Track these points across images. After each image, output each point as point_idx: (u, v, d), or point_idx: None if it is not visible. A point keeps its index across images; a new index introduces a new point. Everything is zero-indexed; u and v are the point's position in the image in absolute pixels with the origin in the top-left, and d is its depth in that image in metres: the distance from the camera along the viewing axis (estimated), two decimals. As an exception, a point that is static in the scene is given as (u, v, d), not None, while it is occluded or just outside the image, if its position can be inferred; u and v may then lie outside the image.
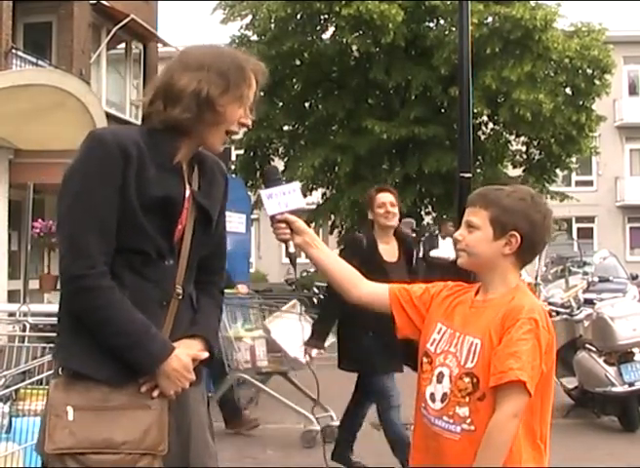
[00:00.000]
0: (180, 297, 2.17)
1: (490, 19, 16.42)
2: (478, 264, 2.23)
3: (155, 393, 2.09)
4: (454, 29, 15.97)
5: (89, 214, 2.04)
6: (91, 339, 2.06)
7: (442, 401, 2.17)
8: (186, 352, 2.13)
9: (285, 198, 2.26)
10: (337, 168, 17.65)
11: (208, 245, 2.26)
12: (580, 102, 17.45)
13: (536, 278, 7.89)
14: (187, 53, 2.23)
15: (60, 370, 2.10)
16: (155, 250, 2.11)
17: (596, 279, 8.09)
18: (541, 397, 2.14)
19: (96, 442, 2.00)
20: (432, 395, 2.20)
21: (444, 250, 13.66)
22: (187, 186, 2.19)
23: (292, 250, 2.30)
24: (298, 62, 17.89)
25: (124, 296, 2.06)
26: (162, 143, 2.13)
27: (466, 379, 2.12)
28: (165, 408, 2.10)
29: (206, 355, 2.19)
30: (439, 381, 2.19)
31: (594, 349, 6.70)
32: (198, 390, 2.26)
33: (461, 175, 6.76)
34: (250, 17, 17.83)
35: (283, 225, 2.30)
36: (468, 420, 2.10)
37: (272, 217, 2.30)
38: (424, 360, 2.25)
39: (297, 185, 2.30)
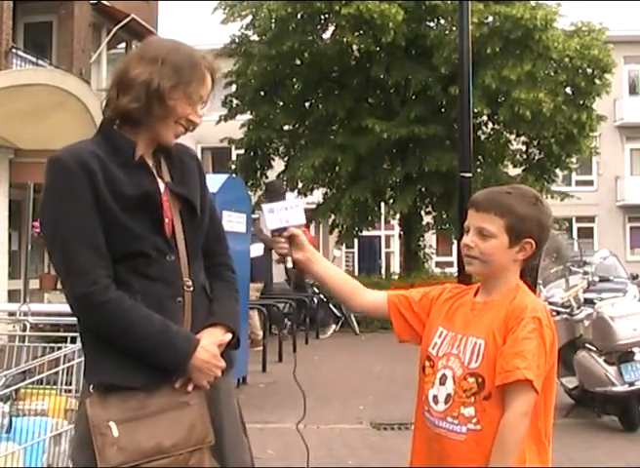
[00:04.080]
0: (192, 290, 2.18)
1: (490, 19, 16.41)
2: (490, 271, 2.22)
3: (190, 387, 2.10)
4: (454, 29, 15.96)
5: (73, 235, 2.05)
6: (116, 350, 2.06)
7: (445, 402, 2.17)
8: (211, 341, 2.15)
9: (286, 213, 2.26)
10: (337, 167, 17.65)
11: (201, 231, 2.28)
12: (581, 102, 17.44)
13: (536, 278, 7.88)
14: (146, 44, 2.26)
15: (90, 387, 2.10)
16: (152, 248, 2.12)
17: (596, 278, 8.07)
18: (545, 395, 2.15)
19: (146, 451, 2.00)
20: (435, 397, 2.20)
21: (256, 249, 13.62)
22: (160, 180, 2.20)
23: (290, 265, 2.31)
24: (298, 62, 17.88)
25: (136, 302, 2.07)
26: (119, 144, 2.15)
27: (471, 379, 2.13)
28: (203, 400, 2.11)
29: (229, 336, 2.20)
30: (442, 383, 2.19)
31: (594, 349, 6.69)
32: (228, 381, 2.28)
33: (462, 174, 6.75)
34: (250, 17, 17.83)
35: (282, 240, 2.31)
36: (474, 420, 2.11)
37: (272, 232, 2.31)
38: (427, 363, 2.25)
39: (299, 202, 2.30)
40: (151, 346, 2.05)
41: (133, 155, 2.16)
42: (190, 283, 2.18)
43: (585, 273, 8.31)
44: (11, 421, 3.65)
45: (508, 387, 2.06)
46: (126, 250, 2.09)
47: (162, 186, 2.19)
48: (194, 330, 2.16)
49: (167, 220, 2.17)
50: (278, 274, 27.69)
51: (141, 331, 2.05)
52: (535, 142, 18.71)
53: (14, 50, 13.04)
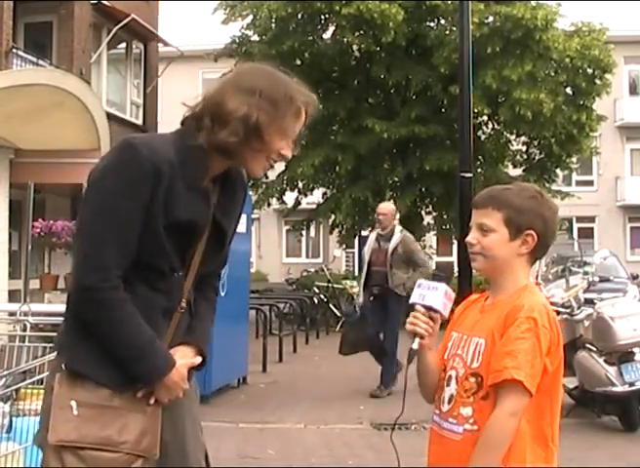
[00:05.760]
0: (182, 311, 2.20)
1: (490, 19, 16.41)
2: (494, 266, 2.22)
3: (152, 401, 2.11)
4: (454, 29, 15.96)
5: (111, 229, 2.02)
6: (96, 343, 2.07)
7: (449, 402, 2.18)
8: (184, 363, 2.16)
9: (426, 292, 2.21)
10: (337, 167, 17.66)
11: (219, 260, 2.29)
12: (581, 102, 17.44)
13: (536, 278, 7.88)
14: (242, 73, 2.19)
15: (63, 365, 2.11)
16: (169, 266, 2.13)
17: (596, 279, 8.07)
18: (550, 397, 2.13)
19: (98, 438, 2.02)
20: (442, 398, 2.21)
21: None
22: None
23: (415, 346, 2.19)
24: (298, 62, 17.87)
25: (134, 309, 2.06)
26: (194, 163, 2.11)
27: (472, 379, 2.13)
28: (159, 414, 2.12)
29: (199, 360, 2.22)
30: (447, 384, 2.20)
31: (595, 349, 6.69)
32: (190, 385, 2.27)
33: (462, 174, 6.76)
34: (250, 17, 17.83)
35: (426, 319, 2.18)
36: (471, 420, 2.10)
37: (413, 305, 2.24)
38: (442, 371, 2.25)
39: (442, 286, 2.21)
40: (131, 355, 2.06)
41: (202, 180, 2.12)
42: (185, 304, 2.19)
43: (585, 273, 8.32)
44: (11, 421, 3.65)
45: (499, 387, 2.06)
46: (146, 260, 2.08)
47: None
48: (172, 344, 2.17)
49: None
50: (277, 274, 27.72)
51: (128, 339, 2.06)
52: (535, 142, 18.71)
53: (14, 50, 13.02)
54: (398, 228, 8.34)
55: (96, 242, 2.04)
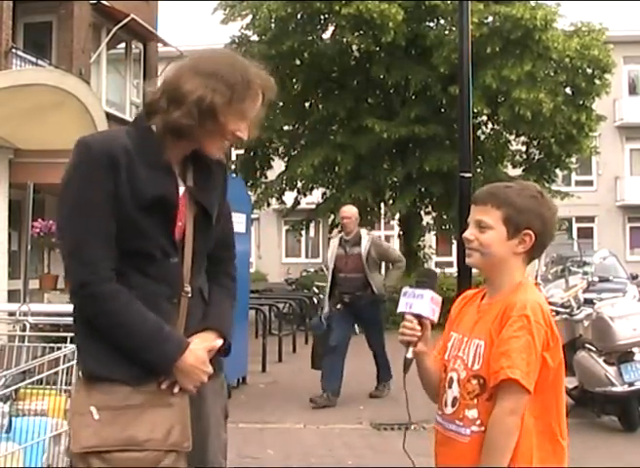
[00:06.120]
0: (190, 295, 2.19)
1: (490, 19, 16.42)
2: (490, 263, 2.22)
3: (176, 389, 2.10)
4: (454, 29, 15.97)
5: (86, 223, 2.06)
6: (106, 341, 2.08)
7: (453, 405, 2.18)
8: (201, 346, 2.15)
9: (412, 300, 2.21)
10: (337, 167, 17.67)
11: (211, 239, 2.27)
12: (581, 102, 17.45)
13: (536, 278, 7.88)
14: (200, 57, 2.21)
15: (81, 372, 2.13)
16: (159, 249, 2.13)
17: (596, 279, 8.08)
18: (555, 393, 2.14)
19: (120, 439, 2.01)
20: (445, 401, 2.22)
21: None
22: (182, 183, 2.20)
23: (410, 355, 2.21)
24: (298, 62, 17.89)
25: (132, 298, 2.07)
26: (151, 143, 2.15)
27: (474, 381, 2.13)
28: (187, 404, 2.11)
29: (220, 342, 2.21)
30: (449, 386, 2.21)
31: (594, 349, 6.69)
32: (217, 381, 2.27)
33: (462, 174, 6.75)
34: (250, 17, 17.84)
35: (416, 327, 2.19)
36: (478, 422, 2.11)
37: (402, 314, 2.23)
38: (443, 372, 2.25)
39: (428, 293, 2.20)
40: (140, 345, 2.06)
41: (161, 158, 2.16)
42: (189, 289, 2.19)
43: (585, 273, 8.32)
44: (11, 421, 3.65)
45: (499, 387, 2.07)
46: (133, 247, 2.10)
47: (182, 190, 2.19)
48: (187, 333, 2.16)
49: (180, 224, 2.17)
50: (277, 274, 27.71)
51: (132, 328, 2.06)
52: (535, 142, 18.72)
53: (14, 50, 13.02)
54: (364, 231, 8.18)
55: (76, 242, 2.08)
